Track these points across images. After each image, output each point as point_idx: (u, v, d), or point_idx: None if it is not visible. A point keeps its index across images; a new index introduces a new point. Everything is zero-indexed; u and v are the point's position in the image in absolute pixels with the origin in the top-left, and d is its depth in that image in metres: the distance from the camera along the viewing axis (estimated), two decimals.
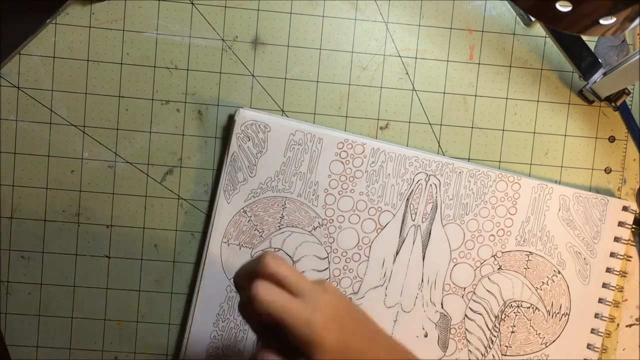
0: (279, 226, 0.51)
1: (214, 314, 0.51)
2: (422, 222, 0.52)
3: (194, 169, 0.51)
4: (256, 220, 0.51)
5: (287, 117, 0.51)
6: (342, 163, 0.51)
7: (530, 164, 0.53)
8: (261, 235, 0.51)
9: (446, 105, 0.52)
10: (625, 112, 0.52)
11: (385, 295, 0.52)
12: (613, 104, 0.51)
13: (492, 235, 0.52)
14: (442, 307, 0.52)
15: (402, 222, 0.52)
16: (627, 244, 0.53)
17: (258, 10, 0.51)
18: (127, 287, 0.52)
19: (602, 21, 0.33)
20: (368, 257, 0.52)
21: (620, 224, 0.53)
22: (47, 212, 0.51)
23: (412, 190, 0.51)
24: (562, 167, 0.53)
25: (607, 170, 0.54)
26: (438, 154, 0.52)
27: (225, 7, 0.50)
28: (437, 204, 0.52)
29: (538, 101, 0.53)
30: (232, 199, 0.50)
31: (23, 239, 0.51)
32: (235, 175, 0.50)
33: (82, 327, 0.52)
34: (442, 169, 0.51)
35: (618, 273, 0.53)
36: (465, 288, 0.52)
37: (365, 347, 0.39)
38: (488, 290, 0.52)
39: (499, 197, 0.52)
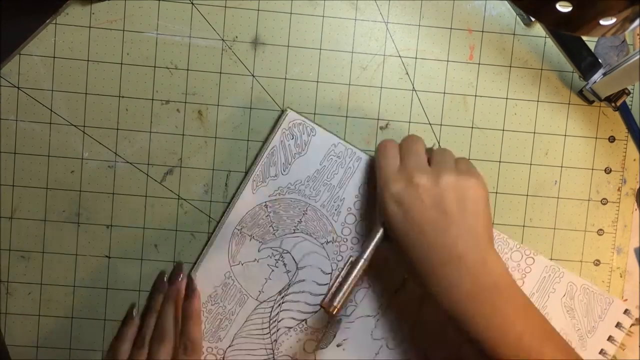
0: (294, 229, 0.51)
1: (207, 295, 0.51)
2: None
3: (194, 169, 0.51)
4: (274, 218, 0.51)
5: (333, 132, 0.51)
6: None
7: (530, 164, 0.53)
8: (274, 234, 0.51)
9: (446, 105, 0.52)
10: (625, 112, 0.52)
11: (375, 326, 0.52)
12: (613, 104, 0.51)
13: None
14: (426, 356, 0.52)
15: None
16: (618, 346, 0.53)
17: (258, 10, 0.51)
18: (127, 287, 0.52)
19: (602, 22, 0.33)
20: (369, 285, 0.52)
21: (618, 325, 0.53)
22: (47, 212, 0.51)
23: None
24: (562, 167, 0.53)
25: (607, 170, 0.54)
26: None
27: (225, 7, 0.50)
28: None
29: (538, 101, 0.53)
30: (257, 190, 0.50)
31: (23, 239, 0.51)
32: (268, 168, 0.50)
33: (82, 327, 0.52)
34: None
35: None
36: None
37: (456, 242, 0.43)
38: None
39: (511, 266, 0.52)
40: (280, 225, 0.51)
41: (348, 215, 0.51)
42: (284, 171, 0.50)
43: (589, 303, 0.53)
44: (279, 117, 0.51)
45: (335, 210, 0.51)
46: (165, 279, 0.50)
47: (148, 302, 0.50)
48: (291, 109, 0.50)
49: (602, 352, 0.53)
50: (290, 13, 0.51)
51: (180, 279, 0.50)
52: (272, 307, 0.51)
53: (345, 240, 0.51)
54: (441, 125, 0.52)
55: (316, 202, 0.51)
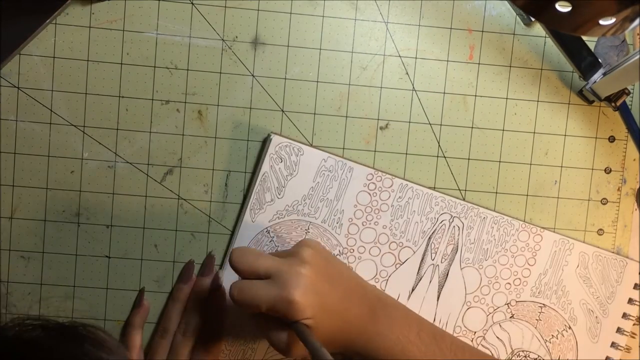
0: None
1: None
2: (441, 262, 0.52)
3: (194, 169, 0.51)
4: (278, 241, 0.51)
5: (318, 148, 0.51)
6: (370, 194, 0.51)
7: (530, 164, 0.53)
8: None
9: (446, 105, 0.52)
10: (625, 112, 0.52)
11: None
12: (613, 104, 0.51)
13: (509, 283, 0.52)
14: None
15: (422, 260, 0.52)
16: None
17: (258, 10, 0.51)
18: (127, 287, 0.52)
19: (601, 22, 0.33)
20: (383, 290, 0.52)
21: (636, 286, 0.53)
22: (47, 212, 0.51)
23: (435, 229, 0.52)
24: (562, 167, 0.53)
25: (607, 170, 0.54)
26: (464, 200, 0.52)
27: (225, 7, 0.50)
28: (458, 246, 0.52)
29: (538, 101, 0.53)
30: (257, 217, 0.51)
31: (23, 239, 0.51)
32: (263, 195, 0.50)
33: None
34: (466, 212, 0.52)
35: (628, 334, 0.53)
36: (475, 332, 0.52)
37: (339, 306, 0.44)
38: (498, 337, 0.53)
39: (520, 246, 0.52)
40: (286, 248, 0.51)
41: (350, 226, 0.51)
42: (279, 195, 0.50)
43: (604, 269, 0.53)
44: (264, 143, 0.51)
45: (337, 223, 0.51)
46: (193, 271, 0.51)
47: (173, 292, 0.51)
48: (274, 133, 0.50)
49: (624, 316, 0.53)
50: (290, 13, 0.51)
51: (211, 273, 0.51)
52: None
53: (352, 250, 0.51)
54: (441, 125, 0.52)
55: (317, 219, 0.51)
